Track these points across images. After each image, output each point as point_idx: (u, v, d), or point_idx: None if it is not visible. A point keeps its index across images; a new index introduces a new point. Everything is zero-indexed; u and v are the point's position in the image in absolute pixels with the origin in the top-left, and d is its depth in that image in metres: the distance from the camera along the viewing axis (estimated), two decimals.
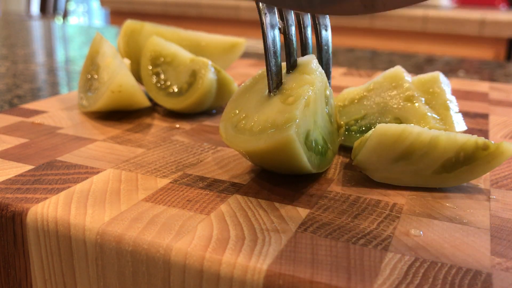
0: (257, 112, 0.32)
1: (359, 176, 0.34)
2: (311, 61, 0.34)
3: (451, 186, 0.32)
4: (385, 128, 0.32)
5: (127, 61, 0.48)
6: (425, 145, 0.31)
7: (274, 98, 0.32)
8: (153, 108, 0.48)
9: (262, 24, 0.32)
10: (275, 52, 0.32)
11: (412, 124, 0.32)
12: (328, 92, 0.34)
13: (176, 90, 0.46)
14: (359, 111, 0.39)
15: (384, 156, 0.32)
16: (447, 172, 0.32)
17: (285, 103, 0.31)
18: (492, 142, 0.31)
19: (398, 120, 0.38)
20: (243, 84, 0.35)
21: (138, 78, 0.51)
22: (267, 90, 0.33)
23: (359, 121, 0.39)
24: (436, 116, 0.37)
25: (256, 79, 0.35)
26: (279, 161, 0.30)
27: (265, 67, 0.33)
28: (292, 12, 0.34)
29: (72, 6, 3.96)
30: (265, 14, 0.32)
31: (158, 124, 0.44)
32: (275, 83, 0.33)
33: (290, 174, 0.33)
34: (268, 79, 0.33)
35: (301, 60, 0.34)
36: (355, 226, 0.27)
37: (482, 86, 0.62)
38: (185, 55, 0.47)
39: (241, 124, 0.32)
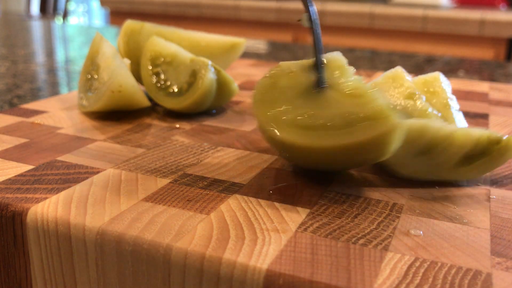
0: (314, 108, 0.32)
1: (359, 176, 0.34)
2: (340, 57, 0.35)
3: (471, 178, 0.34)
4: (408, 124, 0.33)
5: (127, 61, 0.48)
6: (444, 140, 0.33)
7: (329, 93, 0.32)
8: (153, 108, 0.48)
9: (311, 18, 0.33)
10: (321, 48, 0.33)
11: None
12: None
13: (176, 90, 0.46)
14: None
15: (407, 151, 0.33)
16: (466, 166, 0.33)
17: (353, 95, 0.32)
18: (504, 137, 0.33)
19: None
20: (259, 84, 0.35)
21: (138, 78, 0.51)
22: (313, 86, 0.33)
23: None
24: (437, 113, 0.38)
25: (273, 77, 0.35)
26: (362, 154, 0.31)
27: (273, 65, 0.33)
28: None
29: (72, 6, 3.96)
30: (311, 5, 0.33)
31: (158, 124, 0.44)
32: (324, 79, 0.33)
33: (336, 170, 0.34)
34: (318, 75, 0.33)
35: (328, 56, 0.35)
36: (355, 226, 0.27)
37: (482, 86, 0.62)
38: (185, 55, 0.47)
39: (303, 121, 0.32)
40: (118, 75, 0.42)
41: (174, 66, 0.47)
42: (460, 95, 0.57)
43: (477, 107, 0.53)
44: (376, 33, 1.64)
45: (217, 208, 0.29)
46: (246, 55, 0.88)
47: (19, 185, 0.31)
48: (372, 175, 0.34)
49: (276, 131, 0.32)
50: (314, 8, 0.34)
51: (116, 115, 0.46)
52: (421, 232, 0.27)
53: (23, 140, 0.39)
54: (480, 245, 0.26)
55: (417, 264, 0.24)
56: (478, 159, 0.33)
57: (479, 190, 0.33)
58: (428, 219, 0.28)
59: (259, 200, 0.30)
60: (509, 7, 1.84)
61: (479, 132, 0.33)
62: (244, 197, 0.30)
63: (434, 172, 0.34)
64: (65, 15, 3.26)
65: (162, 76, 0.47)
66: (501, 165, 0.33)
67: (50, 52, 0.89)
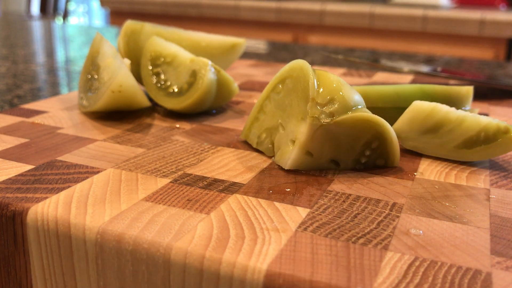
0: None
1: (359, 176, 0.34)
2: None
3: (469, 160, 0.37)
4: (419, 104, 0.37)
5: (127, 61, 0.48)
6: (451, 123, 0.36)
7: None
8: (153, 108, 0.48)
9: None
10: None
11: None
12: None
13: (176, 90, 0.46)
14: None
15: (415, 127, 0.38)
16: (467, 148, 0.36)
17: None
18: None
19: None
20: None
21: (138, 78, 0.51)
22: None
23: None
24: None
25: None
26: None
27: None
28: None
29: (72, 6, 3.96)
30: None
31: (158, 124, 0.44)
32: None
33: None
34: None
35: None
36: (355, 225, 0.27)
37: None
38: (185, 55, 0.47)
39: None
40: (118, 75, 0.42)
41: (174, 66, 0.47)
42: None
43: (477, 107, 0.53)
44: (376, 33, 1.64)
45: (217, 208, 0.29)
46: (246, 55, 0.88)
47: (19, 184, 0.31)
48: (372, 175, 0.34)
49: None
50: None
51: (116, 115, 0.46)
52: (421, 232, 0.27)
53: (23, 140, 0.39)
54: (480, 244, 0.26)
55: (417, 263, 0.24)
56: (481, 144, 0.35)
57: (479, 190, 0.33)
58: (428, 219, 0.28)
59: (259, 199, 0.30)
60: (509, 7, 1.84)
61: (487, 120, 0.35)
62: (244, 196, 0.30)
63: (436, 149, 0.37)
64: (65, 15, 3.26)
65: (162, 76, 0.47)
66: (503, 154, 0.36)
67: (50, 52, 0.89)
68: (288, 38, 1.76)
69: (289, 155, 0.34)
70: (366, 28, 1.65)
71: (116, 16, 2.05)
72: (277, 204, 0.30)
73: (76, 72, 0.72)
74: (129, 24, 0.51)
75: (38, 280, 0.29)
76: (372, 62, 0.61)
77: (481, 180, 0.34)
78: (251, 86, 0.59)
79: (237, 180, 0.33)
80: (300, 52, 0.95)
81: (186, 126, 0.43)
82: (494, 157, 0.36)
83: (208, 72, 0.44)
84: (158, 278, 0.25)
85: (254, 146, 0.38)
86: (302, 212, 0.29)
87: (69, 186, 0.31)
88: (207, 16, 1.85)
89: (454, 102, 0.43)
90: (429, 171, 0.35)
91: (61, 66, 0.76)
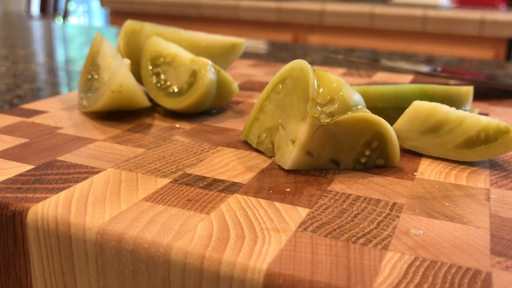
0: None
1: (359, 176, 0.34)
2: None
3: (469, 160, 0.36)
4: (419, 104, 0.38)
5: (127, 61, 0.48)
6: (451, 123, 0.37)
7: None
8: (153, 108, 0.48)
9: None
10: None
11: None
12: None
13: (176, 90, 0.46)
14: None
15: (415, 127, 0.38)
16: (467, 148, 0.36)
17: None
18: None
19: None
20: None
21: (138, 78, 0.51)
22: None
23: None
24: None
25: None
26: None
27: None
28: None
29: (72, 6, 3.97)
30: None
31: (158, 124, 0.44)
32: None
33: None
34: None
35: None
36: (355, 225, 0.27)
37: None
38: (185, 55, 0.47)
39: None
40: (118, 75, 0.42)
41: (174, 66, 0.47)
42: None
43: (477, 107, 0.53)
44: (376, 33, 1.64)
45: (217, 208, 0.29)
46: (246, 55, 0.88)
47: (19, 184, 0.31)
48: (372, 175, 0.34)
49: None
50: None
51: (116, 115, 0.46)
52: (421, 232, 0.27)
53: (23, 140, 0.39)
54: (479, 244, 0.26)
55: (417, 263, 0.24)
56: (481, 144, 0.35)
57: (479, 190, 0.33)
58: (428, 219, 0.28)
59: (259, 199, 0.30)
60: (508, 7, 1.84)
61: (487, 120, 0.36)
62: (244, 196, 0.30)
63: (436, 149, 0.37)
64: (65, 15, 3.27)
65: (162, 76, 0.47)
66: (503, 154, 0.36)
67: (50, 52, 0.89)
68: (288, 38, 1.76)
69: (289, 155, 0.34)
70: (366, 28, 1.65)
71: (116, 16, 2.05)
72: (277, 204, 0.30)
73: (76, 72, 0.72)
74: (129, 24, 0.51)
75: (38, 280, 0.29)
76: (372, 62, 0.61)
77: (481, 180, 0.34)
78: (251, 86, 0.59)
79: (237, 180, 0.33)
80: (300, 52, 0.95)
81: (186, 126, 0.43)
82: (494, 157, 0.36)
83: (208, 72, 0.44)
84: (158, 278, 0.25)
85: (254, 146, 0.38)
86: (302, 212, 0.29)
87: (69, 186, 0.31)
88: (207, 16, 1.85)
89: (454, 102, 0.43)
90: (429, 171, 0.35)
91: (61, 66, 0.76)
